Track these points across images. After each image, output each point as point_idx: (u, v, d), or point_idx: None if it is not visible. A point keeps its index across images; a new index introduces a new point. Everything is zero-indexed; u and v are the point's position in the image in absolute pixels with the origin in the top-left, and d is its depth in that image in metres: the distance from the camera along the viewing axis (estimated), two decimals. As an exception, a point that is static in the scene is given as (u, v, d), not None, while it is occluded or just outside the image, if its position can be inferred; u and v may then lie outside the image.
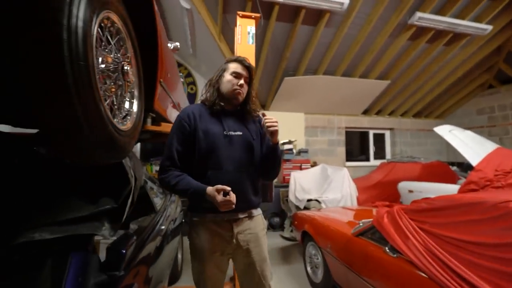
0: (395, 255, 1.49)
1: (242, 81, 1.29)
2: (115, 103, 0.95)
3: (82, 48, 0.67)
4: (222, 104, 1.30)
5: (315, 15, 3.61)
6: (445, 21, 3.80)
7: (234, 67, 1.30)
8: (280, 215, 4.41)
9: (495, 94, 5.79)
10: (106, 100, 0.84)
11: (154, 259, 1.36)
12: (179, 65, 4.86)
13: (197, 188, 1.16)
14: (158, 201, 1.90)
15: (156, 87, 1.38)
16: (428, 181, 3.89)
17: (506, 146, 4.79)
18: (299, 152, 4.96)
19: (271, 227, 4.35)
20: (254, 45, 2.28)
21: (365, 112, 5.81)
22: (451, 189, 3.13)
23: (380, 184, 4.57)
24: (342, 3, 3.30)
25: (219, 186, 1.11)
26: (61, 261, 0.75)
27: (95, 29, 0.75)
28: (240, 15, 2.28)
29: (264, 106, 5.05)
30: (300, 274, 2.71)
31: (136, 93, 1.13)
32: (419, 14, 3.65)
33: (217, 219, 1.23)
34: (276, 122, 1.22)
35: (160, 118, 1.67)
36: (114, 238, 0.91)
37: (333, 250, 2.10)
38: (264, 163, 1.32)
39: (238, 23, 2.26)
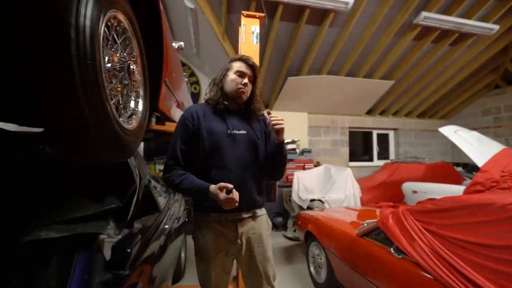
0: (400, 256, 1.48)
1: (246, 80, 1.28)
2: (121, 102, 0.95)
3: (90, 47, 0.67)
4: (226, 103, 1.30)
5: (319, 15, 3.59)
6: (451, 20, 3.76)
7: (238, 66, 1.30)
8: (283, 215, 4.40)
9: (501, 94, 5.72)
10: (112, 99, 0.85)
11: (158, 258, 1.36)
12: (183, 64, 4.87)
13: (200, 187, 1.16)
14: (162, 200, 1.90)
15: (161, 86, 1.39)
16: (432, 181, 3.86)
17: (512, 147, 4.73)
18: (302, 152, 4.95)
19: (274, 226, 4.34)
20: (258, 44, 2.28)
21: (369, 112, 5.78)
22: (456, 190, 3.11)
23: (384, 184, 4.55)
24: (346, 3, 3.27)
25: (222, 184, 1.11)
26: (67, 260, 0.75)
27: (102, 28, 0.75)
28: (245, 14, 2.27)
29: (267, 106, 5.04)
30: (303, 274, 2.70)
31: (141, 92, 1.13)
32: (424, 13, 3.62)
33: (221, 218, 1.23)
34: (282, 120, 1.21)
35: (164, 118, 1.67)
36: (119, 237, 0.92)
37: (337, 251, 2.09)
38: (269, 162, 1.32)
39: (242, 22, 2.26)
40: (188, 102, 2.66)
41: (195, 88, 5.06)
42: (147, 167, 1.72)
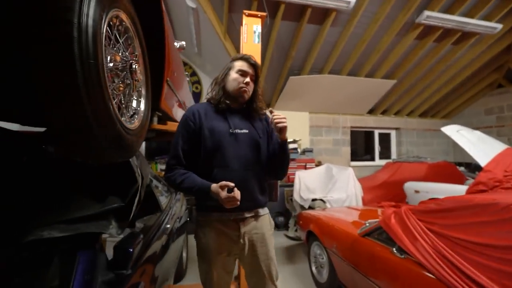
0: (402, 256, 1.47)
1: (248, 79, 1.28)
2: (123, 102, 0.95)
3: (92, 46, 0.67)
4: (228, 102, 1.30)
5: (321, 14, 3.58)
6: (454, 19, 3.74)
7: (240, 65, 1.29)
8: (285, 214, 4.40)
9: (504, 93, 5.68)
10: (114, 99, 0.84)
11: (160, 257, 1.36)
12: (184, 64, 4.86)
13: (202, 186, 1.16)
14: (163, 199, 1.90)
15: (163, 86, 1.38)
16: (434, 181, 3.85)
17: (515, 146, 4.70)
18: (304, 151, 4.95)
19: (276, 226, 4.33)
20: (260, 44, 2.27)
21: (371, 112, 5.76)
22: (459, 189, 3.09)
23: (386, 184, 4.53)
24: (348, 2, 3.26)
25: (223, 183, 1.10)
26: (69, 259, 0.75)
27: (104, 27, 0.75)
28: (246, 14, 2.27)
29: (269, 105, 5.04)
30: (305, 274, 2.70)
31: (143, 92, 1.13)
32: (427, 12, 3.60)
33: (223, 218, 1.22)
34: (285, 118, 1.21)
35: (166, 117, 1.67)
36: (121, 236, 0.92)
37: (338, 250, 2.09)
38: (272, 161, 1.31)
39: (244, 22, 2.25)
40: (189, 102, 2.66)
41: (196, 88, 5.06)
42: (149, 166, 1.72)
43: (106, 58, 0.80)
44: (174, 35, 2.09)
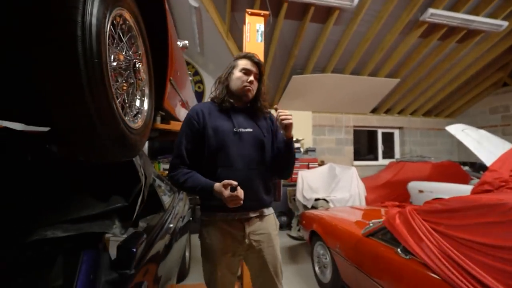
0: (407, 257, 1.46)
1: (252, 78, 1.27)
2: (126, 101, 0.94)
3: (96, 45, 0.66)
4: (232, 101, 1.29)
5: (324, 13, 3.56)
6: (459, 17, 3.70)
7: (243, 63, 1.28)
8: (288, 214, 4.39)
9: (509, 92, 5.62)
10: (118, 98, 0.84)
11: (163, 257, 1.36)
12: (187, 63, 4.87)
13: (205, 185, 1.15)
14: (166, 199, 1.90)
15: (166, 85, 1.38)
16: (438, 181, 3.82)
17: (520, 146, 4.65)
18: (307, 151, 4.93)
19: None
20: (263, 43, 2.26)
21: (374, 111, 5.73)
22: (463, 189, 3.06)
23: (389, 183, 4.51)
24: (352, 0, 3.24)
25: (226, 181, 1.09)
26: (73, 259, 0.75)
27: (108, 26, 0.74)
28: (249, 12, 2.26)
29: (271, 105, 5.03)
30: (308, 274, 2.69)
31: (146, 91, 1.12)
32: (431, 10, 3.57)
33: (228, 218, 1.22)
34: (290, 115, 1.19)
35: (169, 116, 1.67)
36: (125, 236, 0.92)
37: (342, 250, 2.08)
38: (278, 160, 1.29)
39: (247, 20, 2.24)
40: (192, 101, 2.66)
41: (199, 87, 5.06)
42: (152, 166, 1.72)
43: (110, 57, 0.80)
44: (177, 34, 2.09)
